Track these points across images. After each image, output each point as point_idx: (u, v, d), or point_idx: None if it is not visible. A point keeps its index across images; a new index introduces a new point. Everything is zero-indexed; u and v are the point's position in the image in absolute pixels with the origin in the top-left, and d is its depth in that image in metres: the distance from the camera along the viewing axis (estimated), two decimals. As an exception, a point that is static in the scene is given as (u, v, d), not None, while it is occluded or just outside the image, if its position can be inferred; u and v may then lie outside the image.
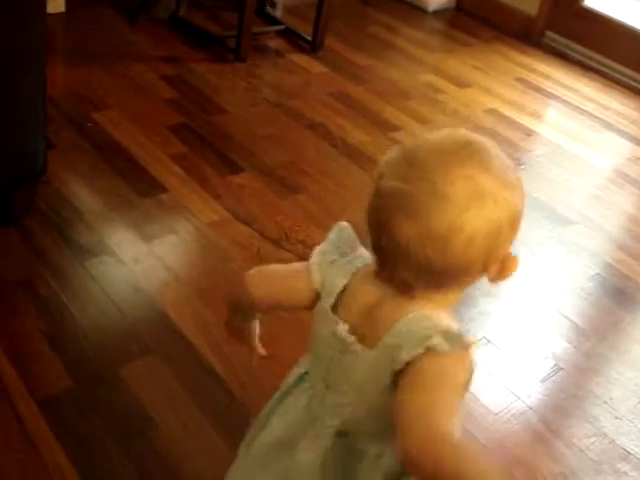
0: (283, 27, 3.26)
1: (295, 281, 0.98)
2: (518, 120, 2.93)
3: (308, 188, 2.28)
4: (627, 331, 1.98)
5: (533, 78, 3.34)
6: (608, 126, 3.04)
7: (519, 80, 3.29)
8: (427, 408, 0.79)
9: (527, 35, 3.70)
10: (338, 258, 0.95)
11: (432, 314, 0.84)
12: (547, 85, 3.30)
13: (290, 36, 3.23)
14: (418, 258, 0.81)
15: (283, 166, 2.37)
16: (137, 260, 1.88)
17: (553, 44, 3.67)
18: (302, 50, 3.15)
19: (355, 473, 0.96)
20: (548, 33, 3.68)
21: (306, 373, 1.01)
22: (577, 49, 3.60)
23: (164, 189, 2.16)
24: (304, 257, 0.96)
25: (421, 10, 3.84)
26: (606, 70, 3.46)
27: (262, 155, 2.40)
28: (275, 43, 3.19)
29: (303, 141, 2.54)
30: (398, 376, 0.84)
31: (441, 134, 0.86)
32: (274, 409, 1.04)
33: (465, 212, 0.78)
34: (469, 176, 0.80)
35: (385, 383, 0.86)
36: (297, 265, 0.99)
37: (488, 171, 0.81)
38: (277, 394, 1.05)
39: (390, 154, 0.84)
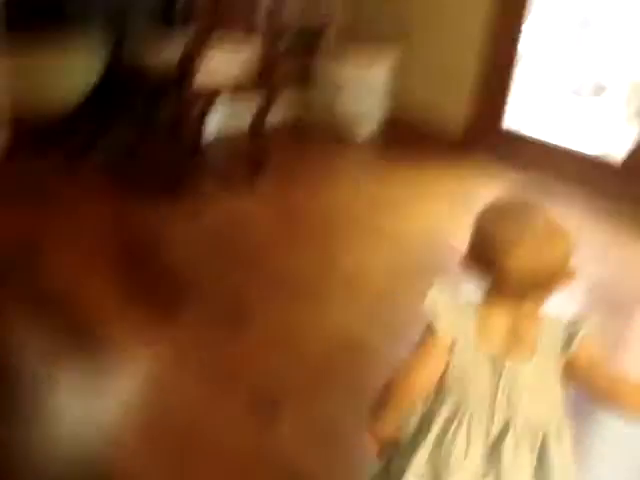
0: (219, 166, 3.37)
1: (431, 373, 1.21)
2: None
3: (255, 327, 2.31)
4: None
5: (468, 191, 3.43)
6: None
7: (456, 195, 3.41)
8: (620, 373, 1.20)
9: (458, 151, 3.80)
10: (452, 313, 1.20)
11: (549, 315, 1.23)
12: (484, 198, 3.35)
13: (226, 174, 3.33)
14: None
15: (226, 306, 2.40)
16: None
17: (481, 159, 3.78)
18: (238, 188, 3.23)
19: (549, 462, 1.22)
20: (476, 148, 3.81)
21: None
22: (502, 164, 3.71)
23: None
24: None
25: (350, 141, 3.95)
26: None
27: (206, 296, 2.44)
28: (211, 182, 3.25)
29: (246, 281, 2.58)
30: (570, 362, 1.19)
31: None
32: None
33: None
34: None
35: (557, 372, 1.19)
36: (419, 359, 1.21)
37: None
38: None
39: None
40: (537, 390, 1.20)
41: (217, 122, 3.63)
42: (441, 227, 3.08)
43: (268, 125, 3.56)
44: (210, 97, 3.08)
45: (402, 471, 1.23)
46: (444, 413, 1.21)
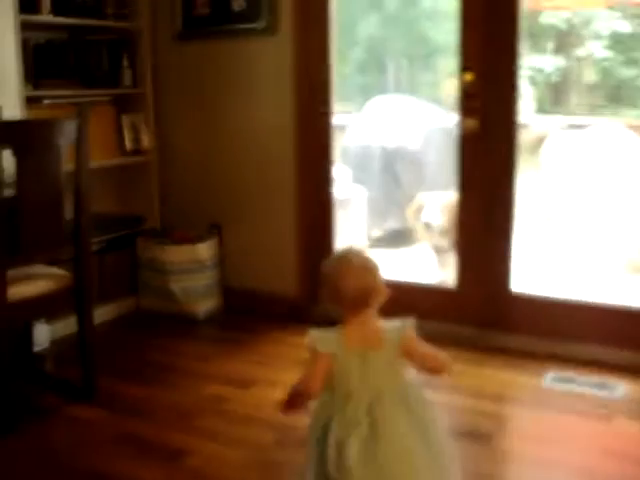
0: (54, 381, 3.18)
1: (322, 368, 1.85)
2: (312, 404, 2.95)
3: None
4: None
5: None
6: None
7: (300, 362, 3.35)
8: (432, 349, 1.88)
9: (295, 315, 3.85)
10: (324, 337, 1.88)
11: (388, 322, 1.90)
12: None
13: (63, 388, 3.14)
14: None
15: None
16: None
17: (322, 316, 3.79)
18: (76, 399, 3.03)
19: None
20: (315, 307, 3.83)
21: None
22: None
23: None
24: None
25: (192, 320, 3.92)
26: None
27: None
28: (48, 400, 3.07)
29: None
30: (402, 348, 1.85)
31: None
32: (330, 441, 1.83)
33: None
34: None
35: (397, 356, 1.85)
36: (311, 364, 1.88)
37: None
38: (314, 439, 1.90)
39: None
40: (389, 368, 1.87)
41: (45, 329, 3.51)
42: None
43: (103, 319, 3.48)
44: (29, 310, 2.95)
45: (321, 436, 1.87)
46: (338, 396, 1.86)
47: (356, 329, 1.86)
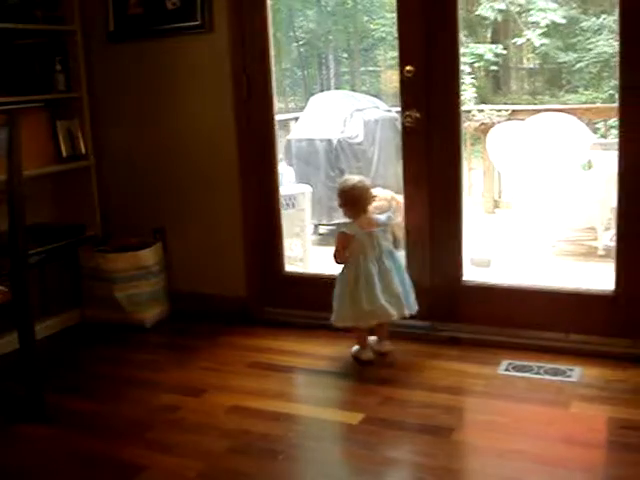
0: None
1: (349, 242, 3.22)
2: (263, 408, 2.90)
3: None
4: None
5: (265, 357, 3.37)
6: (347, 377, 3.17)
7: (252, 365, 3.30)
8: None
9: (246, 317, 3.79)
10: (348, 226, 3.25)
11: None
12: (280, 359, 3.35)
13: (8, 406, 3.03)
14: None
15: None
16: None
17: (272, 317, 3.78)
18: (23, 417, 2.90)
19: None
20: (265, 308, 3.81)
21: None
22: (293, 313, 3.74)
23: None
24: None
25: (139, 329, 3.82)
26: (326, 322, 3.52)
27: None
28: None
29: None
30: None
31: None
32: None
33: None
34: None
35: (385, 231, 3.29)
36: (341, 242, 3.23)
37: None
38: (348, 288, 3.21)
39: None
40: (382, 238, 3.23)
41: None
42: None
43: (46, 333, 3.38)
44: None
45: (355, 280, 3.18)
46: (358, 258, 3.17)
47: (363, 219, 3.22)
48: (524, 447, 2.51)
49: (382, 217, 3.27)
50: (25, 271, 2.86)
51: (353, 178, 3.30)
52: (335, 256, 3.24)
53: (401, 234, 3.59)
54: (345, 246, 3.19)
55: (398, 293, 3.21)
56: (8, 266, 2.82)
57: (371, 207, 3.26)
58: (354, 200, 3.21)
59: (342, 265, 3.24)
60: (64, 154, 3.93)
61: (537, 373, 3.05)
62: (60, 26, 3.85)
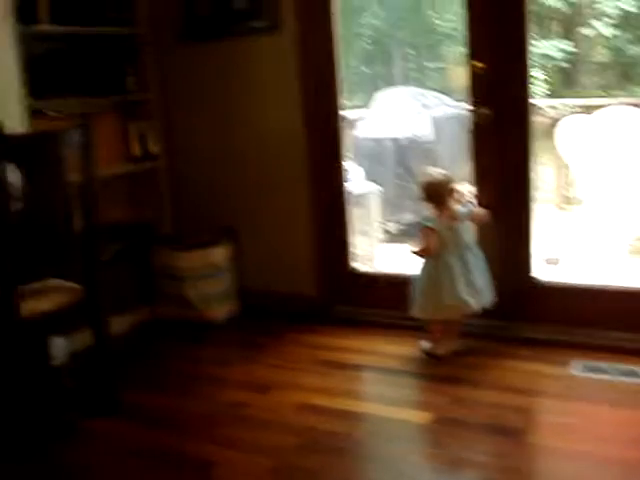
0: (74, 395, 3.14)
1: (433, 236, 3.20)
2: (332, 406, 2.90)
3: None
4: None
5: (333, 356, 3.38)
6: (416, 375, 3.16)
7: (321, 363, 3.31)
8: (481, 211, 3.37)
9: (315, 315, 3.80)
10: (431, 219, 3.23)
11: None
12: (348, 358, 3.35)
13: (83, 402, 3.08)
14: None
15: None
16: None
17: (340, 315, 3.78)
18: (98, 413, 2.96)
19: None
20: (334, 306, 3.81)
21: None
22: (363, 312, 3.74)
23: None
24: None
25: (210, 326, 3.87)
26: (395, 321, 3.55)
27: None
28: (70, 416, 2.99)
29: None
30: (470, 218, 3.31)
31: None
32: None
33: None
34: None
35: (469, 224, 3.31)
36: (426, 236, 3.22)
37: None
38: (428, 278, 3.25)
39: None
40: (464, 232, 3.23)
41: (62, 343, 3.47)
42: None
43: (120, 329, 3.48)
44: (43, 325, 2.92)
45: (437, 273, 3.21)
46: (443, 252, 3.18)
47: (444, 213, 3.21)
48: (595, 449, 2.46)
49: (464, 209, 3.24)
50: (99, 270, 2.93)
51: (435, 172, 3.29)
52: (420, 251, 3.23)
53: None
54: (430, 241, 3.17)
55: (479, 286, 3.22)
56: (82, 265, 2.90)
57: (453, 200, 3.24)
58: (436, 194, 3.21)
59: (423, 258, 3.25)
60: (136, 154, 4.01)
61: (610, 374, 2.98)
62: (130, 28, 3.94)
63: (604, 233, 5.03)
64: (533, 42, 3.34)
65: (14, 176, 2.67)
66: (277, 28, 3.66)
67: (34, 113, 3.36)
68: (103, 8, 3.80)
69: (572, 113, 6.02)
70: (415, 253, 3.25)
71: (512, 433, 2.61)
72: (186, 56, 3.98)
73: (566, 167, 6.18)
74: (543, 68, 9.27)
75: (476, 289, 3.21)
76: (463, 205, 3.27)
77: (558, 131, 5.74)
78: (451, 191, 3.23)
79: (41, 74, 3.51)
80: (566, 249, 4.80)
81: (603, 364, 3.06)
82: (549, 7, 9.34)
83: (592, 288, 3.36)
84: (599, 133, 5.30)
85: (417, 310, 3.26)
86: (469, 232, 3.27)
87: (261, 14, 3.70)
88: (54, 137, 2.78)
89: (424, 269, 3.24)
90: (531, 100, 3.30)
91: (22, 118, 3.26)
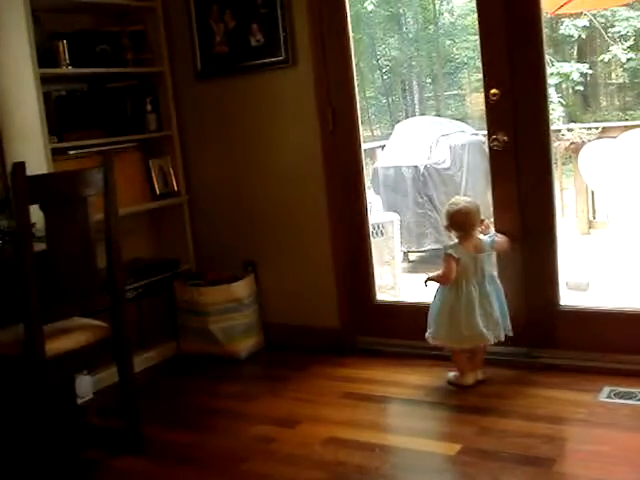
0: (99, 433, 3.14)
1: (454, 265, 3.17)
2: (358, 439, 2.88)
3: None
4: None
5: (358, 388, 3.35)
6: (442, 406, 3.11)
7: (346, 395, 3.29)
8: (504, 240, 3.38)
9: (338, 347, 3.78)
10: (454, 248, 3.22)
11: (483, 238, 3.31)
12: (373, 389, 3.32)
13: (108, 439, 3.10)
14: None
15: None
16: None
17: (364, 346, 3.77)
18: (123, 450, 2.97)
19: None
20: (357, 337, 3.80)
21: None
22: (386, 342, 3.72)
23: None
24: None
25: (234, 360, 3.86)
26: (419, 351, 3.52)
27: None
28: (95, 453, 3.01)
29: None
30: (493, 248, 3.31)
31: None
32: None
33: None
34: None
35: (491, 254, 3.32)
36: (447, 264, 3.18)
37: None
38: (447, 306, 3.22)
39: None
40: (486, 261, 3.22)
41: (87, 381, 3.49)
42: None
43: (144, 365, 3.45)
44: (68, 363, 2.93)
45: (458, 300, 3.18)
46: (463, 281, 3.16)
47: (468, 242, 3.20)
48: (629, 477, 2.42)
49: (488, 240, 3.24)
50: (123, 307, 2.94)
51: (461, 200, 3.27)
52: (438, 277, 3.22)
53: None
54: (450, 269, 3.15)
55: (496, 318, 3.19)
56: (108, 302, 2.92)
57: (478, 230, 3.24)
58: (463, 223, 3.20)
59: (439, 285, 3.25)
60: (158, 191, 4.04)
61: (641, 400, 2.94)
62: (149, 68, 3.99)
63: (629, 256, 4.99)
64: (551, 65, 3.34)
65: (37, 216, 2.70)
66: (294, 63, 3.69)
67: (56, 153, 3.42)
68: (122, 50, 3.86)
69: (592, 136, 6.01)
70: (431, 279, 3.24)
71: (542, 463, 2.56)
72: (204, 93, 4.01)
73: (588, 191, 6.15)
74: (561, 91, 9.27)
75: (493, 321, 3.18)
76: (488, 235, 3.27)
77: (581, 155, 5.72)
78: (479, 221, 3.23)
79: (63, 114, 3.56)
80: (592, 274, 4.76)
81: (633, 390, 3.01)
82: (565, 34, 9.36)
83: (620, 313, 3.31)
84: (621, 156, 5.27)
85: (432, 336, 3.25)
86: (491, 263, 3.26)
87: (278, 50, 3.72)
88: (75, 177, 2.82)
89: (441, 295, 3.23)
90: (550, 124, 3.30)
91: (45, 159, 3.31)
